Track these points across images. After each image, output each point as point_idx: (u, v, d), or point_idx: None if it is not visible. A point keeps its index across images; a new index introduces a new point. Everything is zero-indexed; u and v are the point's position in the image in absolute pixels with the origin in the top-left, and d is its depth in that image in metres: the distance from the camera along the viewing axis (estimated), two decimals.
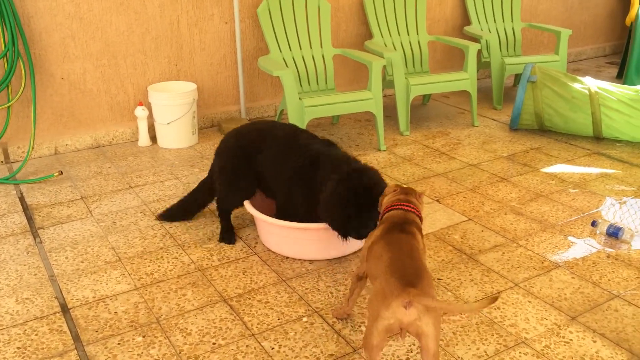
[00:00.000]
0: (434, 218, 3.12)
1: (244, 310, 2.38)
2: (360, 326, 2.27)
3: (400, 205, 2.12)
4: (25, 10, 3.73)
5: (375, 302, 1.80)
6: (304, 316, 2.34)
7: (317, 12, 4.50)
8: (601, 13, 6.81)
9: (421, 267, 1.87)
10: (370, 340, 1.79)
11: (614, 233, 2.92)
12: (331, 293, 2.49)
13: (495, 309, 2.38)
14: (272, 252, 2.81)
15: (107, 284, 2.56)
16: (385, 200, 2.20)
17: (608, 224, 2.95)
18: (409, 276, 1.78)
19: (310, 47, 4.48)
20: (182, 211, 3.11)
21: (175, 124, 4.10)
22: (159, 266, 2.70)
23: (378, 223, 2.18)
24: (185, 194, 3.14)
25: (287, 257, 2.76)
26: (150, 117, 4.21)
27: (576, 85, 4.23)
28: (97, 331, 2.26)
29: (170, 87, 4.25)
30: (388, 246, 1.95)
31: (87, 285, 2.55)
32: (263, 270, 2.66)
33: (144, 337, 2.22)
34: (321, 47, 4.52)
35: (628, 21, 5.81)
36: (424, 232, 2.98)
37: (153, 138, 4.27)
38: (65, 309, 2.39)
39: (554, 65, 4.94)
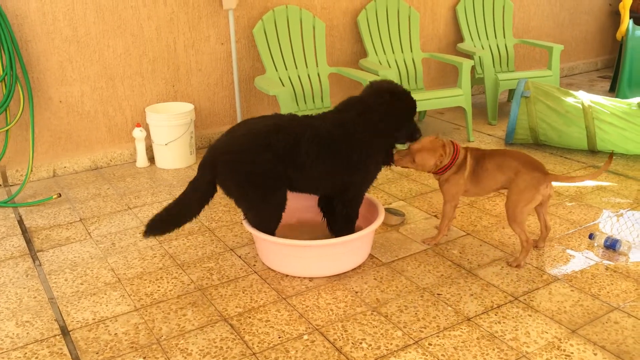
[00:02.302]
0: (432, 233, 3.14)
1: (244, 329, 2.38)
2: (361, 343, 2.28)
3: (457, 147, 2.86)
4: (23, 35, 3.77)
5: (528, 191, 2.69)
6: (304, 334, 2.34)
7: (312, 32, 4.56)
8: (592, 28, 6.91)
9: (535, 160, 2.78)
10: (522, 215, 2.72)
11: (611, 245, 2.93)
12: (331, 310, 2.49)
13: (495, 323, 2.39)
14: (272, 270, 2.81)
15: (107, 306, 2.56)
16: (443, 153, 2.83)
17: (605, 237, 2.97)
18: (539, 167, 2.73)
19: (306, 66, 4.53)
20: (173, 221, 2.69)
21: (173, 144, 4.12)
22: (159, 286, 2.70)
23: (454, 165, 2.86)
24: (172, 202, 2.71)
25: (287, 275, 2.76)
26: (148, 138, 4.23)
27: (569, 100, 4.28)
28: (97, 353, 2.25)
29: (168, 108, 4.29)
30: (500, 160, 2.79)
31: (87, 307, 2.54)
32: (263, 289, 2.66)
33: (144, 358, 2.22)
34: (317, 65, 4.57)
35: (619, 36, 5.89)
36: (424, 248, 3.00)
37: (151, 159, 4.30)
38: (65, 332, 2.38)
39: (547, 80, 5.00)
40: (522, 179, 2.71)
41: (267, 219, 2.72)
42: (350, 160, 2.66)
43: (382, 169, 2.87)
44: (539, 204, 2.80)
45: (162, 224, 2.65)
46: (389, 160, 2.83)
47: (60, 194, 3.69)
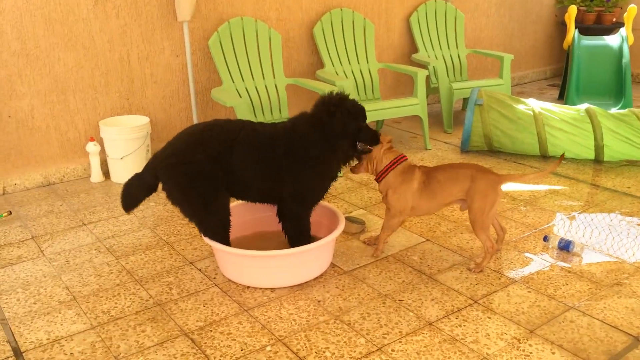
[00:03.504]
0: (392, 240, 3.16)
1: (205, 343, 2.33)
2: (324, 352, 2.26)
3: (403, 157, 2.86)
4: None
5: (489, 194, 2.72)
6: (267, 345, 2.31)
7: (268, 43, 4.56)
8: (540, 38, 7.15)
9: (484, 166, 2.86)
10: (488, 221, 2.76)
11: (565, 247, 3.01)
12: (294, 320, 2.47)
13: (456, 326, 2.41)
14: (233, 282, 2.78)
15: (61, 325, 2.47)
16: (385, 156, 2.84)
17: (559, 238, 3.05)
18: (491, 171, 2.82)
19: (263, 78, 4.52)
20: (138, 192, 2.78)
21: (128, 158, 4.04)
22: (116, 303, 2.63)
23: (394, 174, 2.83)
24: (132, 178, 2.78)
25: (248, 287, 2.73)
26: (103, 153, 4.14)
27: (521, 107, 4.40)
28: None
29: (123, 122, 4.20)
30: (453, 171, 2.83)
31: (40, 327, 2.45)
32: (224, 301, 2.62)
33: None
34: (274, 77, 4.57)
35: (565, 45, 6.11)
36: (385, 255, 3.02)
37: (106, 173, 4.20)
38: (18, 353, 2.29)
39: (498, 88, 5.13)
40: (480, 183, 2.74)
41: (211, 225, 2.69)
42: (283, 167, 2.66)
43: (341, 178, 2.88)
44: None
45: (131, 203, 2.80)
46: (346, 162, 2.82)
47: (10, 212, 3.56)
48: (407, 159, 2.88)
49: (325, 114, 2.65)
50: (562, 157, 2.90)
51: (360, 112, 2.72)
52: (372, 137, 2.78)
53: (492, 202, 2.74)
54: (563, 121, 4.27)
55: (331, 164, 2.74)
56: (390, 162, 2.83)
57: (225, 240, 2.71)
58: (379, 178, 2.87)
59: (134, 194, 2.77)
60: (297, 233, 2.82)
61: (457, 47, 5.69)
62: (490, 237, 2.79)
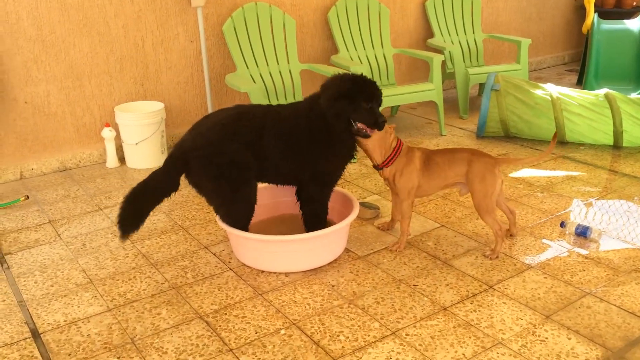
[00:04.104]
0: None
1: (220, 326, 2.35)
2: (338, 336, 2.27)
3: (400, 143, 2.85)
4: None
5: (488, 177, 2.72)
6: (281, 329, 2.32)
7: (282, 29, 4.54)
8: (558, 23, 7.03)
9: (482, 150, 2.87)
10: (492, 203, 2.75)
11: (582, 233, 2.98)
12: (308, 304, 2.47)
13: (471, 311, 2.40)
14: (247, 266, 2.79)
15: (78, 307, 2.50)
16: (387, 143, 2.81)
17: (576, 224, 3.02)
18: (487, 154, 2.81)
19: (277, 63, 4.50)
20: (139, 215, 2.62)
21: (143, 143, 4.06)
22: (132, 286, 2.65)
23: (398, 158, 2.82)
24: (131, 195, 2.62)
25: (263, 271, 2.74)
26: (118, 138, 4.16)
27: (538, 92, 4.34)
28: (69, 355, 2.20)
29: (137, 107, 4.22)
30: (450, 154, 2.84)
31: (58, 309, 2.48)
32: (239, 285, 2.63)
33: (118, 358, 2.17)
34: (288, 62, 4.55)
35: (584, 29, 6.00)
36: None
37: (122, 159, 4.22)
38: (36, 334, 2.32)
39: (516, 73, 5.06)
40: (476, 166, 2.75)
41: (239, 214, 2.69)
42: (308, 148, 2.65)
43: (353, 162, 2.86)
44: None
45: (134, 219, 2.59)
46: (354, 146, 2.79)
47: (28, 196, 3.60)
48: (403, 142, 2.88)
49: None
50: (555, 137, 2.88)
51: (343, 88, 2.60)
52: (370, 121, 2.62)
53: (492, 185, 2.73)
54: (581, 106, 4.21)
55: (341, 143, 2.72)
56: (397, 146, 2.83)
57: (245, 227, 2.71)
58: (387, 163, 2.83)
59: (145, 202, 2.61)
60: (315, 215, 2.82)
61: (473, 32, 5.62)
62: (497, 219, 2.77)
